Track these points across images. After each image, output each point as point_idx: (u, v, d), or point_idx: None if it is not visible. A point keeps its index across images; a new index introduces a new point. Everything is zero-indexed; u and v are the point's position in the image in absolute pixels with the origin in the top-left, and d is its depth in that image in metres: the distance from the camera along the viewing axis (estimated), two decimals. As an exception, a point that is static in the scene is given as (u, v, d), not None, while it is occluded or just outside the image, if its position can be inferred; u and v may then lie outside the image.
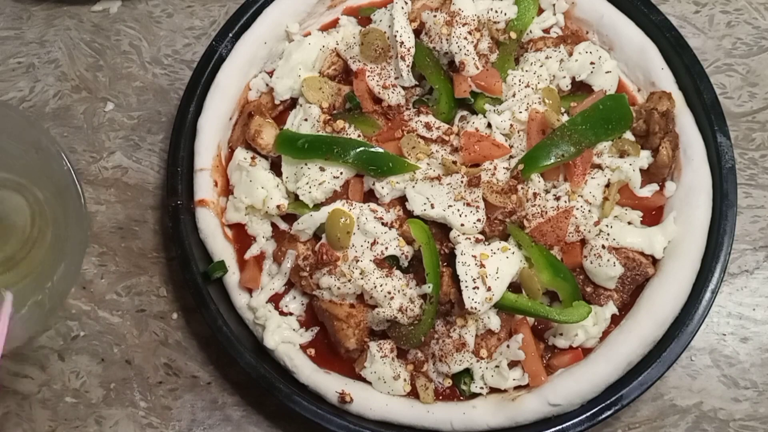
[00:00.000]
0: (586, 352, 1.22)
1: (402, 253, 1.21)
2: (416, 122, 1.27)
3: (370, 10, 1.36)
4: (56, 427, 1.35)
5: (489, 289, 1.15)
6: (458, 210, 1.20)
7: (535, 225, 1.21)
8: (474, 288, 1.15)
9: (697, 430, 1.29)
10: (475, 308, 1.15)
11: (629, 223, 1.25)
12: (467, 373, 1.22)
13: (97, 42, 1.54)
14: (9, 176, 1.24)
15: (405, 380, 1.22)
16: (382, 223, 1.22)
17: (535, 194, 1.23)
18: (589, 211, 1.23)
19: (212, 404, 1.34)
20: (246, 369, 1.22)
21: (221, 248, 1.29)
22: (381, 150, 1.24)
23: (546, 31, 1.37)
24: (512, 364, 1.21)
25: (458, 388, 1.23)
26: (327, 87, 1.32)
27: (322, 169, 1.25)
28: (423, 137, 1.26)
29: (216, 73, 1.34)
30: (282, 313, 1.28)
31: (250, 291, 1.29)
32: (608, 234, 1.21)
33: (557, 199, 1.22)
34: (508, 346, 1.20)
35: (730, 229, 1.22)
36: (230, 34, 1.36)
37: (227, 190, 1.33)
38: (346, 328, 1.21)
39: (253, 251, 1.29)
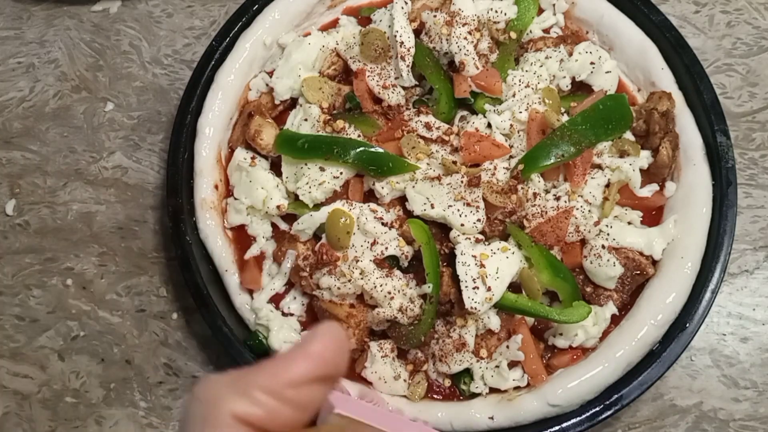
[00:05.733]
0: (586, 352, 1.22)
1: (402, 253, 1.21)
2: (416, 122, 1.27)
3: (370, 10, 1.36)
4: (56, 427, 1.35)
5: (489, 289, 1.15)
6: (458, 210, 1.20)
7: (535, 225, 1.21)
8: (474, 288, 1.15)
9: (697, 430, 1.29)
10: (475, 308, 1.15)
11: (629, 223, 1.25)
12: (467, 373, 1.22)
13: (97, 42, 1.54)
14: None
15: (405, 380, 1.23)
16: (382, 223, 1.22)
17: (535, 194, 1.23)
18: (589, 211, 1.23)
19: (212, 404, 1.34)
20: (246, 369, 1.22)
21: (221, 248, 1.29)
22: (381, 150, 1.24)
23: (546, 31, 1.37)
24: (512, 365, 1.21)
25: (458, 388, 1.23)
26: (327, 87, 1.32)
27: (322, 169, 1.25)
28: (423, 137, 1.26)
29: (216, 73, 1.34)
30: (283, 314, 1.28)
31: (250, 292, 1.29)
32: (608, 234, 1.21)
33: (557, 199, 1.22)
34: (507, 347, 1.21)
35: (730, 229, 1.22)
36: (230, 34, 1.36)
37: (227, 190, 1.33)
38: (346, 328, 1.21)
39: (253, 251, 1.29)
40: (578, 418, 1.17)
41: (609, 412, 1.17)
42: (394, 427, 0.70)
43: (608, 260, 1.20)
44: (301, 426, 0.56)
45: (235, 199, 1.30)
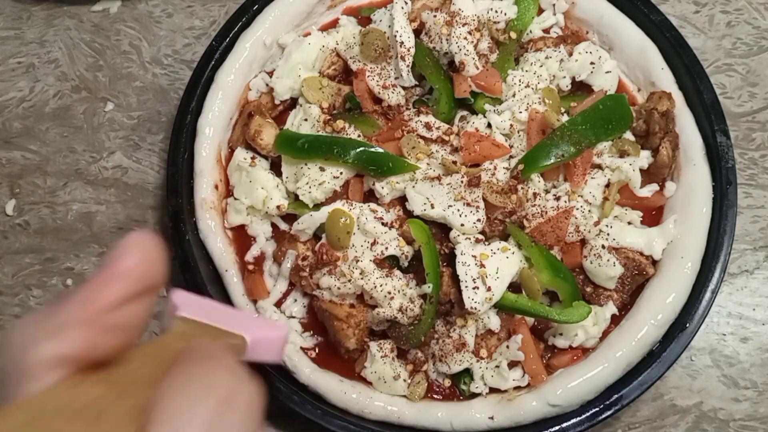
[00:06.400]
0: (586, 352, 1.22)
1: (402, 253, 1.21)
2: (416, 122, 1.27)
3: (370, 10, 1.36)
4: (56, 427, 1.34)
5: (489, 289, 1.15)
6: (458, 210, 1.20)
7: (535, 225, 1.21)
8: (474, 288, 1.15)
9: (697, 430, 1.29)
10: (475, 308, 1.15)
11: (629, 223, 1.25)
12: (467, 373, 1.22)
13: (97, 42, 1.54)
14: None
15: (405, 380, 1.23)
16: (382, 223, 1.22)
17: (535, 194, 1.23)
18: (589, 211, 1.23)
19: (212, 404, 1.34)
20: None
21: (221, 248, 1.29)
22: (381, 150, 1.24)
23: (546, 31, 1.37)
24: (512, 365, 1.21)
25: (458, 388, 1.24)
26: (327, 87, 1.32)
27: (322, 169, 1.25)
28: (423, 137, 1.26)
29: (216, 73, 1.34)
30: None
31: (254, 302, 1.28)
32: (608, 234, 1.21)
33: (557, 199, 1.22)
34: (507, 347, 1.21)
35: (730, 229, 1.22)
36: (230, 34, 1.36)
37: (227, 191, 1.33)
38: (346, 328, 1.21)
39: (253, 252, 1.29)
40: (578, 418, 1.17)
41: (609, 412, 1.17)
42: (239, 325, 0.67)
43: (608, 260, 1.20)
44: (132, 343, 0.52)
45: (235, 199, 1.30)
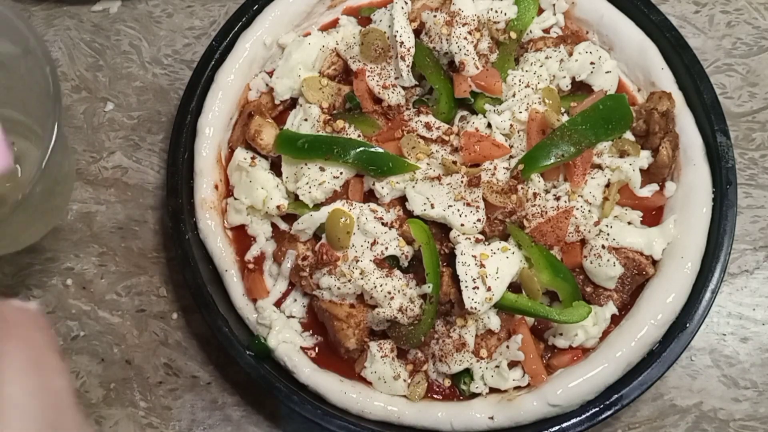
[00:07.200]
0: (586, 352, 1.22)
1: (402, 253, 1.22)
2: (416, 122, 1.27)
3: (370, 10, 1.37)
4: (56, 427, 1.35)
5: (489, 289, 1.15)
6: (458, 210, 1.20)
7: (535, 225, 1.21)
8: (474, 288, 1.16)
9: (697, 430, 1.29)
10: (475, 308, 1.15)
11: (629, 223, 1.26)
12: (467, 373, 1.22)
13: (97, 42, 1.54)
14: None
15: (405, 380, 1.23)
16: (382, 223, 1.22)
17: (535, 194, 1.23)
18: (589, 211, 1.23)
19: (212, 404, 1.34)
20: (246, 369, 1.22)
21: (221, 248, 1.29)
22: (381, 150, 1.24)
23: (546, 31, 1.37)
24: (512, 365, 1.21)
25: (458, 388, 1.24)
26: (327, 87, 1.32)
27: (322, 169, 1.25)
28: (423, 137, 1.26)
29: (216, 73, 1.34)
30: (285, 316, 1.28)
31: (255, 300, 1.28)
32: (608, 234, 1.21)
33: (557, 199, 1.22)
34: (507, 347, 1.21)
35: (730, 229, 1.22)
36: (230, 34, 1.36)
37: (227, 190, 1.33)
38: (346, 328, 1.21)
39: (253, 252, 1.29)
40: (578, 418, 1.17)
41: (609, 412, 1.17)
42: None
43: (608, 260, 1.20)
44: None
45: (235, 199, 1.30)
